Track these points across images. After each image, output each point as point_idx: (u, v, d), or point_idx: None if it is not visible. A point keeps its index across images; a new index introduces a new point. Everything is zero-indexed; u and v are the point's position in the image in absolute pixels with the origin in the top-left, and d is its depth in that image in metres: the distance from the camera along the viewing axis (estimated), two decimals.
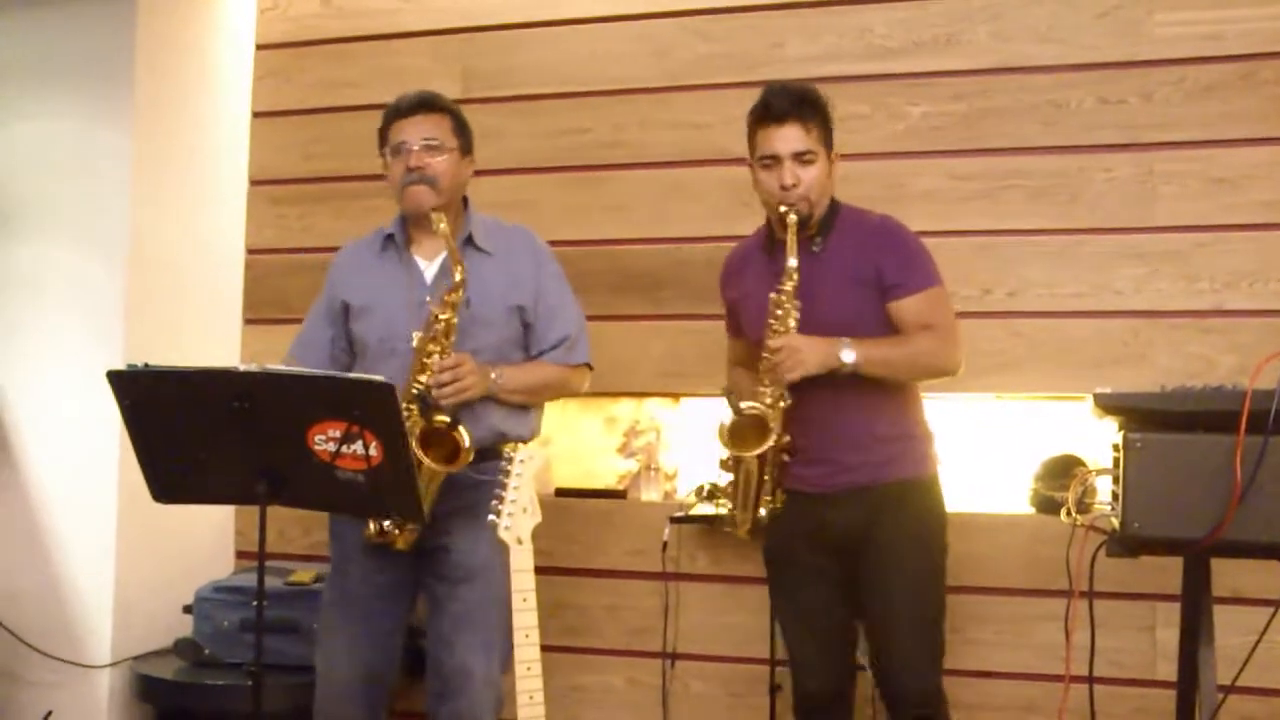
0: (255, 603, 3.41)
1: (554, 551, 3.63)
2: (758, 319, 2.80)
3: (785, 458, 2.76)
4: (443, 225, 2.74)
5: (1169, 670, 2.59)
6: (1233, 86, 3.35)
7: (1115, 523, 2.26)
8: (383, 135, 2.96)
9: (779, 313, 2.72)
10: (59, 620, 3.51)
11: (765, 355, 2.72)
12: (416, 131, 2.89)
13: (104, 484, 3.42)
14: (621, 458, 3.85)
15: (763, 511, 2.79)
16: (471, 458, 2.73)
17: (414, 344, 2.77)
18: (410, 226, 2.98)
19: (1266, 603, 2.33)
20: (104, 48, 3.64)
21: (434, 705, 2.91)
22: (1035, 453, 3.23)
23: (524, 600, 2.60)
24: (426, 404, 2.73)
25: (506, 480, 2.60)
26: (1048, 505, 2.84)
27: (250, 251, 4.14)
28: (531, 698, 2.60)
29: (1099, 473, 2.48)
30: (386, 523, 2.79)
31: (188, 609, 3.57)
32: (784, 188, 2.74)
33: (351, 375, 2.55)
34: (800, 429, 2.76)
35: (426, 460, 2.70)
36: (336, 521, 2.97)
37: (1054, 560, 2.57)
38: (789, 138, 2.75)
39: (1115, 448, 2.27)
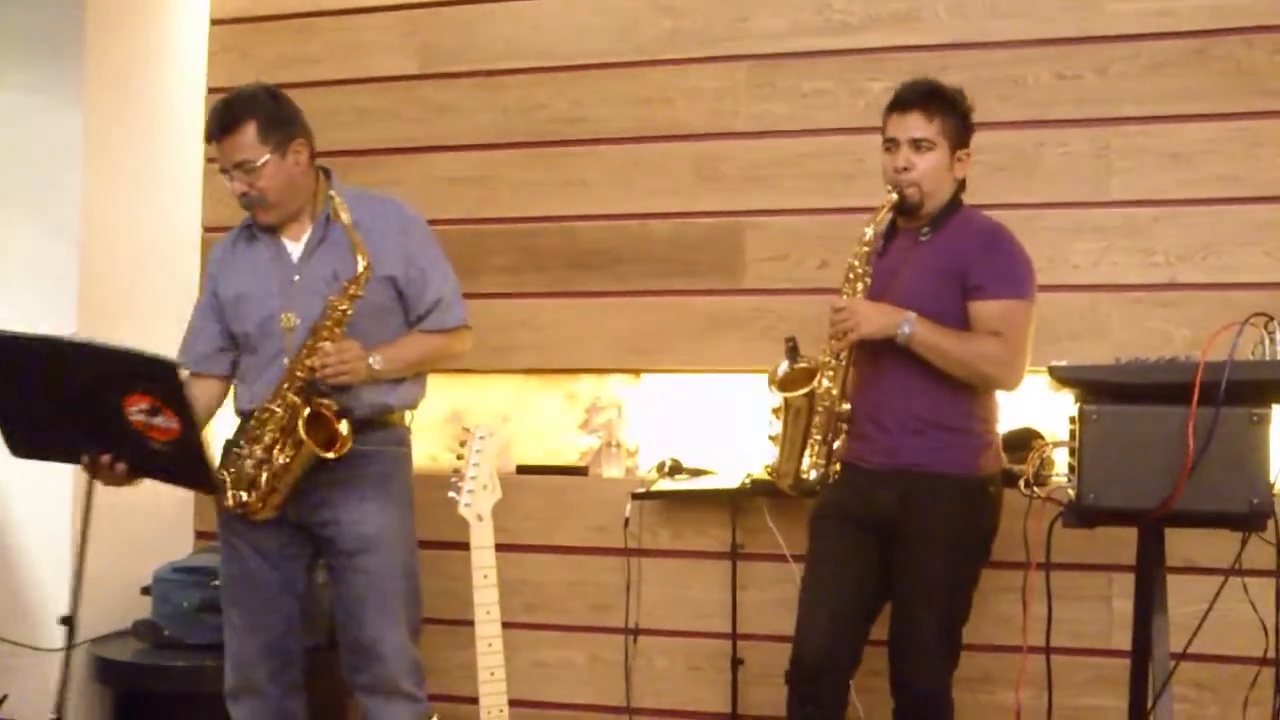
0: (214, 583, 3.42)
1: (515, 528, 3.64)
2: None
3: (843, 427, 2.79)
4: (344, 216, 2.74)
5: (1125, 640, 2.63)
6: (1186, 63, 3.38)
7: (1072, 494, 2.29)
8: None
9: (850, 276, 2.80)
10: (13, 603, 3.47)
11: (831, 315, 2.78)
12: (227, 157, 2.84)
13: (59, 465, 3.37)
14: (582, 434, 3.85)
15: (812, 474, 2.78)
16: (348, 449, 2.75)
17: (283, 324, 2.83)
18: None
19: (1217, 571, 2.36)
20: (54, 21, 3.57)
21: (351, 677, 2.93)
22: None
23: (485, 577, 2.60)
24: (316, 388, 2.75)
25: (466, 456, 2.59)
26: (1006, 477, 2.86)
27: (207, 229, 4.09)
28: (493, 674, 2.61)
29: (1056, 445, 2.50)
30: (244, 494, 2.80)
31: (146, 590, 3.54)
32: (896, 169, 2.82)
33: (142, 351, 2.55)
34: (856, 401, 2.80)
35: (308, 443, 2.72)
36: (218, 498, 2.95)
37: (1012, 532, 2.60)
38: (909, 125, 2.82)
39: (1072, 420, 2.29)
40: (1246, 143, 3.33)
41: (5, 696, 3.28)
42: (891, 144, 2.85)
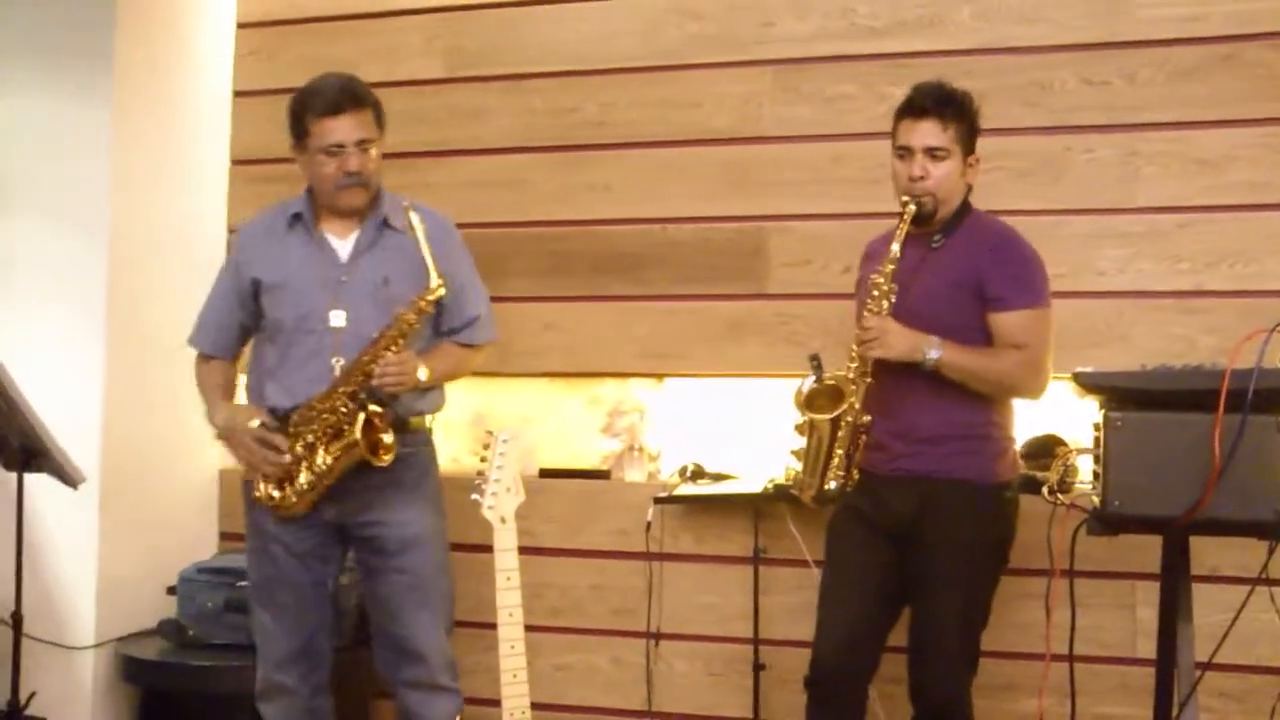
0: (239, 584, 3.45)
1: (538, 532, 3.64)
2: (863, 301, 2.86)
3: (863, 438, 2.78)
4: (419, 229, 2.76)
5: (1149, 648, 2.61)
6: (1214, 68, 3.35)
7: (1096, 501, 2.28)
8: (303, 125, 2.91)
9: (875, 293, 2.79)
10: (42, 602, 3.50)
11: (857, 330, 2.79)
12: (351, 133, 2.87)
13: (86, 465, 3.40)
14: (605, 438, 3.85)
15: (832, 484, 2.78)
16: (391, 458, 2.78)
17: (331, 323, 2.85)
18: (319, 207, 2.97)
19: (1243, 580, 2.35)
20: (83, 24, 3.61)
21: (388, 673, 2.96)
22: (1018, 432, 3.24)
23: (507, 579, 2.61)
24: (373, 395, 2.78)
25: (489, 459, 2.60)
26: (1029, 484, 2.85)
27: (232, 231, 4.11)
28: (515, 676, 2.61)
29: (1080, 452, 2.49)
30: (275, 491, 2.83)
31: (171, 590, 3.57)
32: (911, 179, 2.81)
33: None
34: (875, 412, 2.80)
35: (362, 448, 2.75)
36: (247, 498, 2.98)
37: (1035, 539, 2.59)
38: (924, 132, 2.81)
39: (1096, 427, 2.28)
40: (1274, 149, 3.30)
41: (34, 694, 3.31)
42: (905, 151, 2.83)
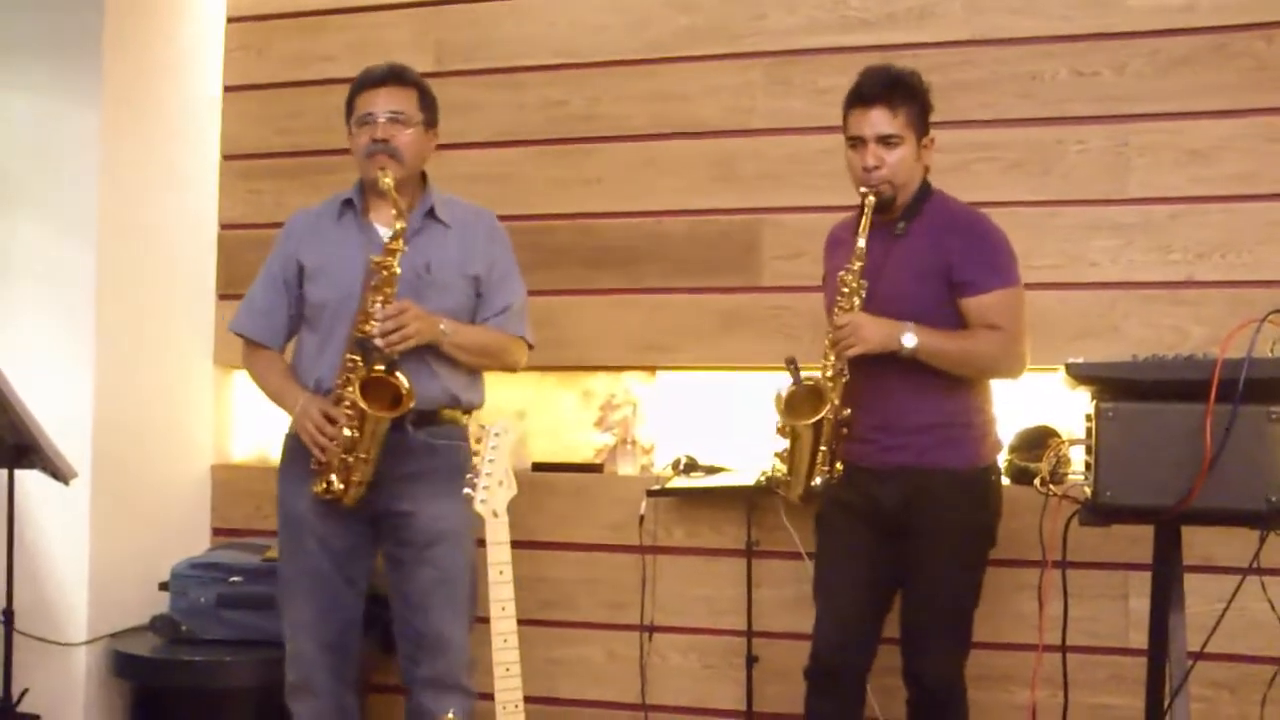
0: (231, 579, 3.44)
1: (531, 525, 3.64)
2: (832, 295, 2.86)
3: (844, 431, 2.78)
4: (388, 180, 2.79)
5: (1142, 639, 2.61)
6: (1205, 59, 3.35)
7: (1088, 492, 2.28)
8: (349, 105, 2.99)
9: (845, 290, 2.77)
10: (34, 598, 3.49)
11: (831, 330, 2.78)
12: (383, 104, 2.91)
13: (77, 461, 3.39)
14: (598, 431, 3.85)
15: (817, 480, 2.79)
16: (414, 401, 2.75)
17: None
18: (369, 194, 3.00)
19: (1236, 570, 2.35)
20: (71, 20, 3.59)
21: (409, 669, 2.94)
22: (1010, 424, 3.25)
23: (500, 573, 2.60)
24: (369, 351, 2.74)
25: (482, 453, 2.59)
26: (1022, 475, 2.86)
27: (223, 227, 4.11)
28: (508, 670, 2.60)
29: (1072, 443, 2.50)
30: (334, 478, 2.80)
31: (164, 585, 3.56)
32: (866, 169, 2.79)
33: None
34: (853, 406, 2.79)
35: (369, 409, 2.72)
36: (283, 492, 2.97)
37: (1028, 530, 2.59)
38: (874, 121, 2.78)
39: (1088, 417, 2.28)
40: (1266, 139, 3.31)
41: (25, 690, 3.30)
42: (857, 142, 2.81)
